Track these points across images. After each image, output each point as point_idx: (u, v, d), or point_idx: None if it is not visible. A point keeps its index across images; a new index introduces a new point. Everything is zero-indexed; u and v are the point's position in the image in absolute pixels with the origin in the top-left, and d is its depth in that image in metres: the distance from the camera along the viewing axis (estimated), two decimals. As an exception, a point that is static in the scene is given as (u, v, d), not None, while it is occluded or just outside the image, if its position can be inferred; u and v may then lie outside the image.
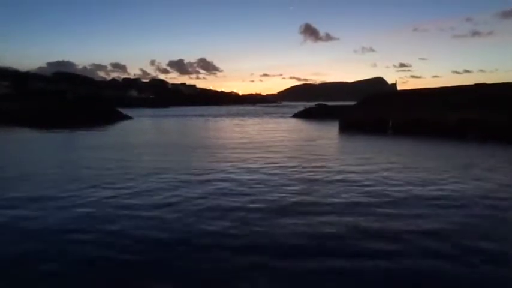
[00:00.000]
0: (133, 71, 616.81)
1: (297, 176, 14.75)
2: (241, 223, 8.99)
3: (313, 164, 17.38)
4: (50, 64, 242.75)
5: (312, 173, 15.22)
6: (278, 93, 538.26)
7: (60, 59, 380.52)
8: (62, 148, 25.85)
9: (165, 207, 10.36)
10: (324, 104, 72.07)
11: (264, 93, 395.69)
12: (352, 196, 11.53)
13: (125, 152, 22.02)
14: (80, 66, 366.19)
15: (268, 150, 22.95)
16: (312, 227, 8.71)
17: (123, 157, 19.89)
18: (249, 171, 15.80)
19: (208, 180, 13.79)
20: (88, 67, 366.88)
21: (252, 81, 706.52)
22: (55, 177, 14.61)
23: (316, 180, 13.97)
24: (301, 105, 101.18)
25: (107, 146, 25.27)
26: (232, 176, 14.71)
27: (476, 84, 40.61)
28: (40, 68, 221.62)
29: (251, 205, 10.51)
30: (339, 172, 15.40)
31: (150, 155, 20.93)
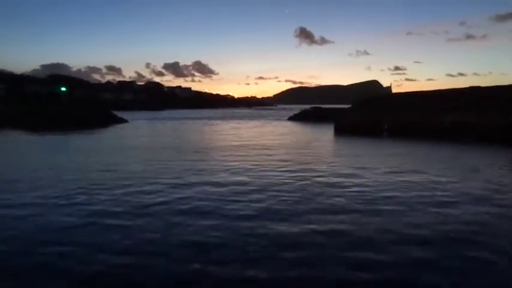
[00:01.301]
0: (128, 74, 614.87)
1: (292, 180, 14.73)
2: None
3: (310, 168, 17.38)
4: (44, 66, 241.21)
5: (307, 180, 15.20)
6: (274, 96, 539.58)
7: (55, 61, 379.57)
8: (46, 151, 25.61)
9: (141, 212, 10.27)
10: (320, 107, 72.25)
11: (259, 96, 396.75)
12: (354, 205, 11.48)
13: (114, 155, 21.90)
14: (75, 69, 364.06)
15: (265, 155, 22.92)
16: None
17: (109, 161, 19.78)
18: (239, 176, 15.72)
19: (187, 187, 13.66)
20: (83, 70, 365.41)
21: (248, 84, 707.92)
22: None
23: (311, 187, 13.95)
24: (296, 108, 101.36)
25: (96, 149, 25.12)
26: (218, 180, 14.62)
27: (471, 87, 40.96)
28: (34, 70, 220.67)
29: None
30: (333, 184, 15.38)
31: (142, 159, 20.80)
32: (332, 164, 18.21)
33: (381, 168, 16.89)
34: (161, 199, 11.38)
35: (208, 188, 12.95)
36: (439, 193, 12.16)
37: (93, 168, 17.03)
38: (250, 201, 11.20)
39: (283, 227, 8.83)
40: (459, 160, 19.83)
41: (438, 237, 8.21)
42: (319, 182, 13.91)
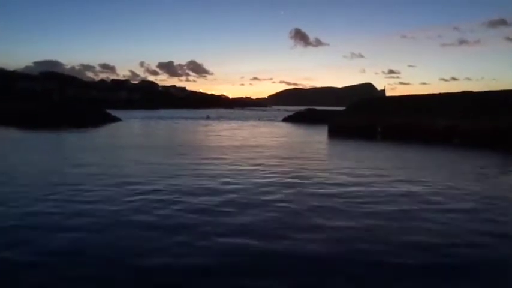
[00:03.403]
0: (122, 72, 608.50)
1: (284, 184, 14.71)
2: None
3: (301, 182, 17.38)
4: (37, 63, 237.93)
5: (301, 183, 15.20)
6: (268, 97, 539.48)
7: (48, 58, 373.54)
8: (31, 149, 25.40)
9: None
10: (314, 109, 72.53)
11: (254, 96, 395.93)
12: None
13: (101, 155, 21.75)
14: (68, 66, 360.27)
15: (254, 158, 22.87)
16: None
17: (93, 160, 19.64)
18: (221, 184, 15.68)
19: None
20: (76, 67, 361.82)
21: (242, 84, 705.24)
22: None
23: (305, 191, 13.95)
24: (291, 110, 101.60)
25: (87, 148, 24.96)
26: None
27: (463, 92, 41.32)
28: (27, 67, 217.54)
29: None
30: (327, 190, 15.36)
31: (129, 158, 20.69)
32: (327, 172, 18.24)
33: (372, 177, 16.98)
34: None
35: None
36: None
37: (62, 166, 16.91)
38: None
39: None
40: (452, 165, 20.00)
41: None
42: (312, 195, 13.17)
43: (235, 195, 11.78)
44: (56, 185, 12.86)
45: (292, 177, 15.02)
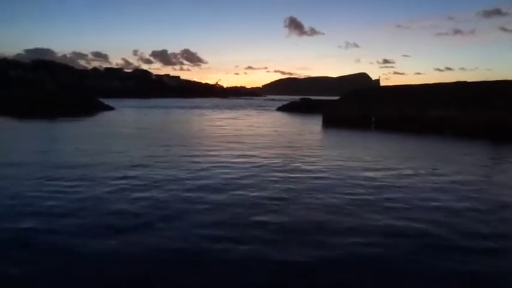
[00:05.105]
0: (115, 61, 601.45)
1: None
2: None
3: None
4: (28, 51, 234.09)
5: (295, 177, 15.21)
6: (263, 86, 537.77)
7: (39, 46, 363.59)
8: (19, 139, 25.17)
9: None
10: (308, 98, 72.38)
11: (248, 86, 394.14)
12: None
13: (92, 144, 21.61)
14: (60, 54, 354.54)
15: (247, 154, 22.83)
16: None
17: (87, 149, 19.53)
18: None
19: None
20: (68, 55, 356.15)
21: (237, 73, 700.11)
22: None
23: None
24: (285, 99, 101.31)
25: (80, 136, 24.79)
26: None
27: (457, 82, 41.43)
28: (18, 55, 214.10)
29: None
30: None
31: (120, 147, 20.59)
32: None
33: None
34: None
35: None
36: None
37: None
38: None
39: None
40: (444, 155, 20.13)
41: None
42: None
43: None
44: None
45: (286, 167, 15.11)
